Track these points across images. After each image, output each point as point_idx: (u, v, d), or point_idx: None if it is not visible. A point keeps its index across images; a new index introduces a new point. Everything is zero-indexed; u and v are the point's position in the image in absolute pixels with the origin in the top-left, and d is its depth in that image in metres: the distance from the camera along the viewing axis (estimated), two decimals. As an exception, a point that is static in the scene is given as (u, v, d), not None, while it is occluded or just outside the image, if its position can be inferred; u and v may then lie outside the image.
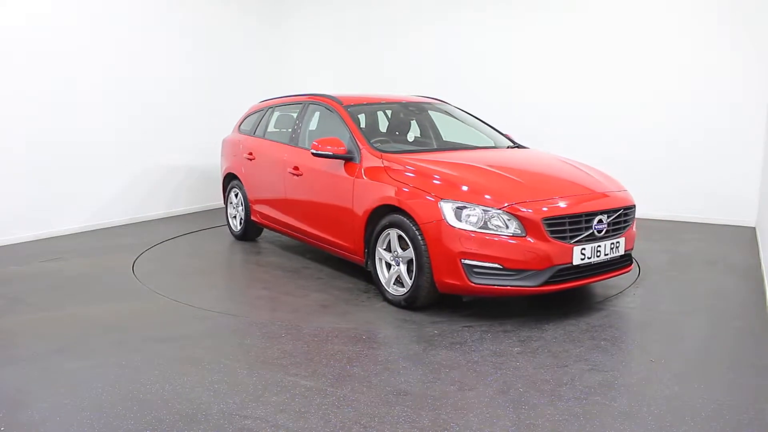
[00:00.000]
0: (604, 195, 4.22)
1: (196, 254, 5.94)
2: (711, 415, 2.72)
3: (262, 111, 6.38)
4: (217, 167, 8.70)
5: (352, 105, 5.22)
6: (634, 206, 4.35)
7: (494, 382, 3.06)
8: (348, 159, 4.69)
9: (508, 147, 5.25)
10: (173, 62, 7.85)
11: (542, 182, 4.28)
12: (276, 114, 6.19)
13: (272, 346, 3.55)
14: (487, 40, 8.24)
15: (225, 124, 8.73)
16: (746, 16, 6.76)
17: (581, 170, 4.59)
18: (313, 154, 4.78)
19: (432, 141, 5.46)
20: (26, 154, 6.26)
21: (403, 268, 4.19)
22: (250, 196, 6.12)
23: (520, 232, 3.79)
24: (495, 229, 3.79)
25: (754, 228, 6.82)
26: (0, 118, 6.03)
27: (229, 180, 6.55)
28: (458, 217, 3.86)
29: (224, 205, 6.74)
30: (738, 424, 2.65)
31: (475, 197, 3.91)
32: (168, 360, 3.35)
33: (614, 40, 7.48)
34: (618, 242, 4.13)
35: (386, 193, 4.26)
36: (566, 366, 3.26)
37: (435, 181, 4.12)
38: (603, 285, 4.71)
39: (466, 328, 3.81)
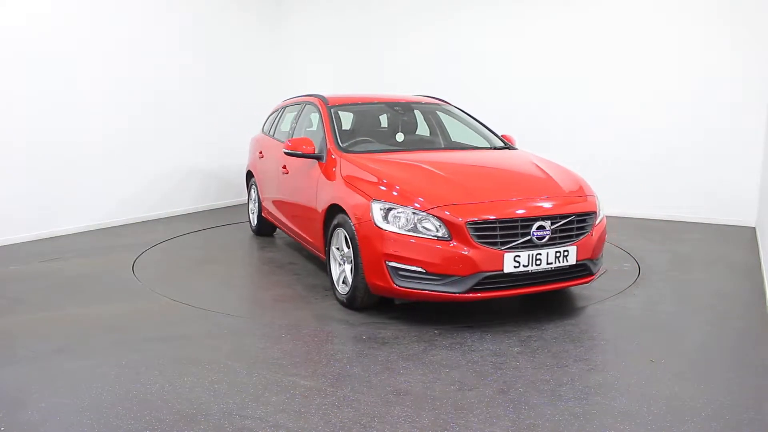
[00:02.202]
0: (552, 200, 3.95)
1: (196, 254, 5.94)
2: (711, 415, 2.72)
3: (279, 111, 6.53)
4: (216, 167, 8.73)
5: (337, 105, 5.28)
6: (593, 213, 4.03)
7: (494, 382, 3.06)
8: (317, 158, 4.79)
9: (492, 148, 5.12)
10: (173, 62, 7.85)
11: (487, 185, 4.07)
12: (286, 114, 6.31)
13: (272, 346, 3.55)
14: (488, 40, 8.24)
15: (225, 123, 8.75)
16: (746, 16, 6.76)
17: (545, 174, 4.32)
18: (284, 153, 4.93)
19: (419, 141, 5.37)
20: (26, 154, 6.26)
21: (347, 267, 4.18)
22: (260, 193, 6.39)
23: (445, 235, 3.67)
24: (424, 232, 3.69)
25: (754, 228, 6.82)
26: (0, 118, 6.03)
27: (249, 177, 6.86)
28: (385, 219, 3.81)
29: (247, 201, 7.18)
30: (738, 424, 2.65)
31: (403, 199, 3.83)
32: (168, 360, 3.35)
33: (614, 40, 7.48)
34: (567, 251, 3.82)
35: (335, 192, 4.33)
36: (566, 366, 3.26)
37: (372, 182, 4.09)
38: (603, 285, 4.71)
39: (466, 328, 3.81)
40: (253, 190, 6.69)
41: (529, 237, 3.72)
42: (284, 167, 5.47)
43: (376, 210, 3.85)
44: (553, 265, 3.79)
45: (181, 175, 8.10)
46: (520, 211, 3.78)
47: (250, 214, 6.85)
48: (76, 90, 6.69)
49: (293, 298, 4.46)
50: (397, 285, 3.77)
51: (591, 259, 4.01)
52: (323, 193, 4.53)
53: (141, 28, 7.38)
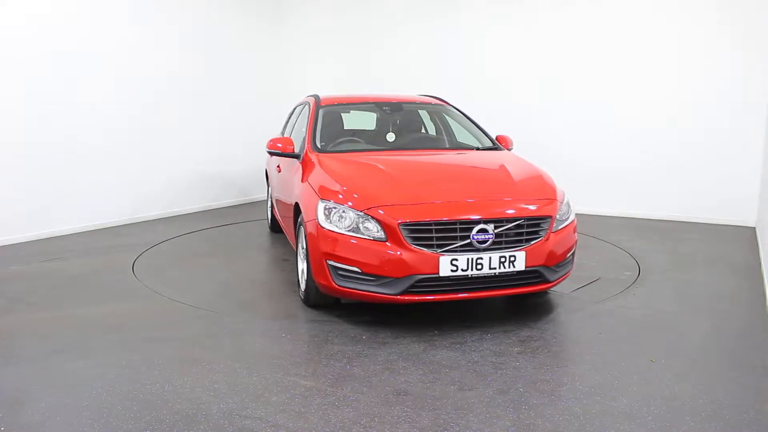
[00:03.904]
0: (501, 203, 3.81)
1: (196, 254, 5.94)
2: (711, 415, 2.72)
3: (293, 110, 6.62)
4: (217, 167, 8.73)
5: (329, 105, 5.34)
6: (547, 218, 3.83)
7: (494, 382, 3.06)
8: (296, 157, 4.87)
9: (477, 149, 5.05)
10: (173, 62, 7.86)
11: (438, 187, 3.98)
12: (295, 113, 6.39)
13: (272, 346, 3.55)
14: (488, 40, 8.25)
15: (225, 123, 8.75)
16: (746, 16, 6.76)
17: (507, 177, 4.20)
18: (267, 152, 5.05)
19: (408, 141, 5.31)
20: (26, 154, 6.26)
21: (305, 265, 4.18)
22: (270, 191, 6.70)
23: (382, 236, 3.63)
24: (364, 232, 3.67)
25: (754, 228, 6.82)
26: (0, 118, 6.03)
27: (267, 175, 7.12)
28: (328, 218, 3.82)
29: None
30: (738, 424, 2.65)
31: (345, 199, 3.82)
32: (168, 360, 3.35)
33: (615, 40, 7.48)
34: (514, 256, 3.67)
35: (299, 191, 4.40)
36: (566, 366, 3.26)
37: (327, 182, 4.10)
38: (603, 285, 4.71)
39: (466, 328, 3.81)
40: (268, 188, 7.01)
41: (469, 240, 3.61)
42: (278, 166, 5.67)
43: (320, 209, 3.88)
44: (497, 271, 3.65)
45: (181, 175, 8.10)
46: (462, 214, 3.65)
47: (267, 211, 7.10)
48: (77, 90, 6.69)
49: (293, 298, 4.46)
50: (336, 284, 3.77)
51: (546, 266, 3.81)
52: (295, 191, 4.60)
53: (141, 28, 7.38)
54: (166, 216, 7.82)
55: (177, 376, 3.12)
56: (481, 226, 3.62)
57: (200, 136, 8.32)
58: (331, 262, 3.76)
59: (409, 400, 2.86)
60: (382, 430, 2.59)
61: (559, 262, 3.93)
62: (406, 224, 3.60)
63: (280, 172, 5.59)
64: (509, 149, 5.20)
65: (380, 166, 4.28)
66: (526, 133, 7.77)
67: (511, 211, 3.75)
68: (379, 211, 3.67)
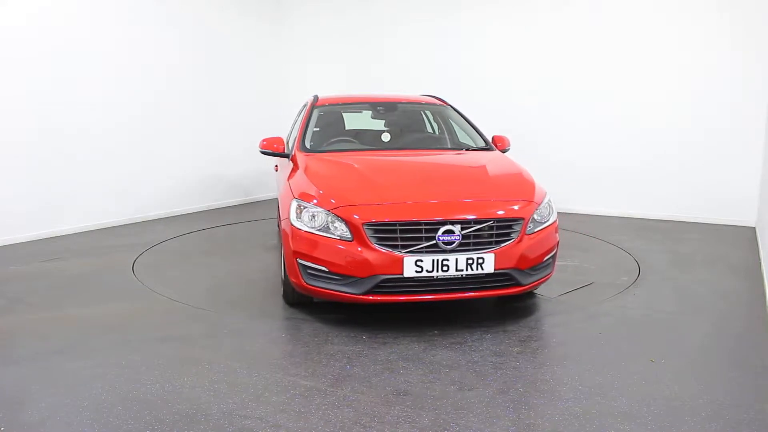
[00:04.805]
0: (471, 204, 3.76)
1: (196, 254, 5.94)
2: (711, 415, 2.72)
3: (301, 111, 6.60)
4: (217, 167, 8.73)
5: (323, 105, 5.39)
6: (519, 220, 3.74)
7: (494, 382, 3.06)
8: (286, 156, 4.93)
9: (466, 149, 5.01)
10: (173, 62, 7.85)
11: (410, 187, 3.97)
12: (299, 114, 6.38)
13: (272, 346, 3.55)
14: (488, 40, 8.25)
15: (224, 123, 8.75)
16: (746, 16, 6.76)
17: (484, 178, 4.18)
18: (260, 151, 5.09)
19: (402, 141, 5.27)
20: (26, 154, 6.26)
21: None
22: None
23: (348, 236, 3.64)
24: (333, 231, 3.67)
25: (754, 228, 6.82)
26: (0, 118, 6.03)
27: None
28: (298, 216, 3.85)
29: None
30: (738, 424, 2.65)
31: (316, 198, 3.85)
32: (168, 360, 3.35)
33: (614, 40, 7.48)
34: (481, 258, 3.60)
35: (281, 190, 4.47)
36: (566, 366, 3.26)
37: (304, 181, 4.12)
38: (603, 285, 4.71)
39: (466, 328, 3.81)
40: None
41: (434, 241, 3.57)
42: (276, 166, 5.79)
43: (293, 208, 3.92)
44: (464, 273, 3.59)
45: (181, 175, 8.10)
46: (429, 215, 3.61)
47: (277, 210, 7.19)
48: (76, 90, 6.69)
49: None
50: (306, 283, 3.80)
51: (518, 269, 3.72)
52: (281, 191, 4.67)
53: (141, 28, 7.38)
54: (166, 216, 7.82)
55: (177, 376, 3.12)
56: (448, 227, 3.58)
57: (200, 136, 8.31)
58: (300, 261, 3.79)
59: (409, 400, 2.86)
60: (382, 430, 2.59)
61: (534, 266, 3.82)
62: (370, 224, 3.59)
63: (277, 171, 5.68)
64: (506, 149, 5.17)
65: (356, 166, 4.30)
66: (526, 133, 7.79)
67: (480, 213, 3.69)
68: (346, 211, 3.69)
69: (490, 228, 3.67)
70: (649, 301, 4.37)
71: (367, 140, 5.29)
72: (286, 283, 4.16)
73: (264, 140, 5.04)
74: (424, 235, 3.57)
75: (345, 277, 3.64)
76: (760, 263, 5.33)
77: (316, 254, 3.70)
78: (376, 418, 2.69)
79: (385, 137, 5.25)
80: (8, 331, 3.84)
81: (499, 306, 4.27)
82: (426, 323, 3.91)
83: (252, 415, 2.73)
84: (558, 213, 4.30)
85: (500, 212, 3.74)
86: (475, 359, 3.35)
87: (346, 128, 5.55)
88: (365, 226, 3.59)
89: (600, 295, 4.49)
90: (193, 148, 8.24)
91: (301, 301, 4.20)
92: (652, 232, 6.69)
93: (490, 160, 4.58)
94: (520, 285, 3.78)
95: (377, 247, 3.57)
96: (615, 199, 7.68)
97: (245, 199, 9.15)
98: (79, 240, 6.41)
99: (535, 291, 4.43)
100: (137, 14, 7.33)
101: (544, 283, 4.12)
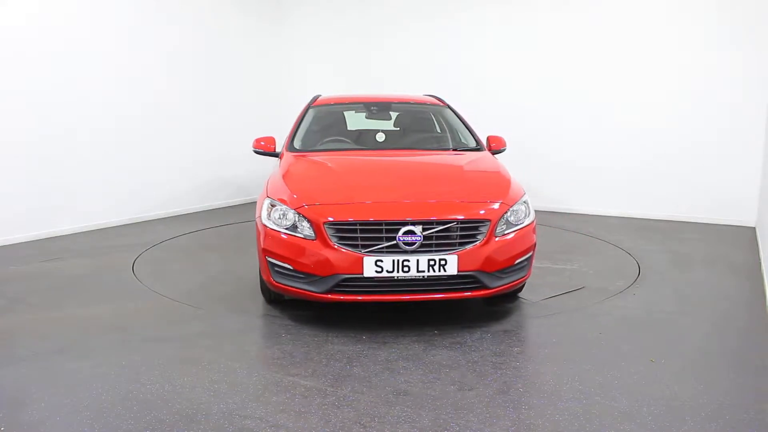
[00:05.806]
0: (435, 205, 3.72)
1: (196, 254, 5.94)
2: (711, 415, 2.72)
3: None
4: (217, 167, 8.73)
5: (319, 105, 5.41)
6: (486, 222, 3.66)
7: (494, 382, 3.06)
8: (276, 156, 4.96)
9: (455, 149, 4.95)
10: (173, 62, 7.85)
11: (379, 187, 3.97)
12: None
13: (272, 346, 3.55)
14: (488, 40, 8.25)
15: (225, 123, 8.75)
16: (746, 16, 6.76)
17: (459, 179, 4.15)
18: (253, 151, 5.13)
19: (396, 141, 5.26)
20: (26, 154, 6.26)
21: None
22: None
23: (311, 235, 3.66)
24: (300, 230, 3.70)
25: (754, 228, 6.82)
26: (0, 117, 6.03)
27: None
28: (269, 215, 3.89)
29: None
30: (738, 424, 2.65)
31: (285, 197, 3.88)
32: (168, 360, 3.35)
33: (614, 40, 7.48)
34: (444, 260, 3.53)
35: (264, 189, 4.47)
36: (566, 366, 3.26)
37: (277, 180, 4.18)
38: (603, 285, 4.70)
39: (466, 328, 3.81)
40: None
41: (395, 242, 3.54)
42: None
43: (265, 206, 3.97)
44: (425, 274, 3.54)
45: (181, 175, 8.10)
46: (390, 215, 3.59)
47: None
48: (76, 90, 6.69)
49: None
50: (275, 281, 3.84)
51: (484, 271, 3.63)
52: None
53: (141, 28, 7.38)
54: (166, 216, 7.82)
55: (177, 376, 3.12)
56: (408, 227, 3.54)
57: (200, 136, 8.31)
58: (269, 259, 3.84)
59: (409, 400, 2.86)
60: (382, 430, 2.59)
61: (503, 268, 3.72)
62: (331, 223, 3.62)
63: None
64: (501, 149, 5.13)
65: (331, 166, 4.35)
66: (526, 133, 7.80)
67: (443, 214, 3.63)
68: (311, 210, 3.72)
69: (455, 229, 3.62)
70: (649, 301, 4.37)
71: (362, 140, 5.28)
72: (261, 280, 4.24)
73: (256, 139, 5.11)
74: (384, 235, 3.56)
75: (308, 276, 3.67)
76: (760, 263, 5.33)
77: (282, 252, 3.75)
78: (376, 418, 2.69)
79: (380, 137, 5.23)
80: (8, 331, 3.84)
81: (499, 306, 4.27)
82: (426, 323, 3.91)
83: (252, 415, 2.73)
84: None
85: (463, 214, 3.67)
86: (475, 359, 3.35)
87: (348, 128, 5.54)
88: (326, 226, 3.62)
89: (600, 294, 4.49)
90: (193, 148, 8.23)
91: (278, 298, 4.26)
92: (652, 232, 6.69)
93: (472, 160, 4.55)
94: (486, 288, 3.69)
95: (338, 246, 3.59)
96: (615, 199, 7.68)
97: (246, 199, 9.14)
98: (79, 240, 6.41)
99: (519, 295, 4.39)
100: (137, 14, 7.32)
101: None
